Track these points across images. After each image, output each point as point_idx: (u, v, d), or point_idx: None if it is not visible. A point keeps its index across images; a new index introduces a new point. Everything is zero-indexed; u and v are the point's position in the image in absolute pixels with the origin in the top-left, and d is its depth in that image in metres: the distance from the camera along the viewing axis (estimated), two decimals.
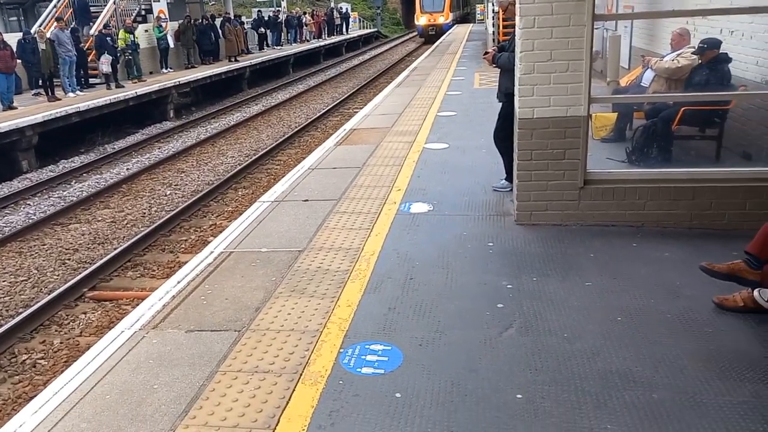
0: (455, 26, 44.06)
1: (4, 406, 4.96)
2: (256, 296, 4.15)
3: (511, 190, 5.64)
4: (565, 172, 5.00)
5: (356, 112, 13.31)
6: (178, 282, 4.46)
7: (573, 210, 5.06)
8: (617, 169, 5.80)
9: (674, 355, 3.26)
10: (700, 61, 6.12)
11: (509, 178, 5.86)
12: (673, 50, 6.64)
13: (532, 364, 3.26)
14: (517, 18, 4.83)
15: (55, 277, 7.24)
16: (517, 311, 3.79)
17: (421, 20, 42.29)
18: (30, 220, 9.00)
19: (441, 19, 41.78)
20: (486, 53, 6.11)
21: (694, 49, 6.20)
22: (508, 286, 4.11)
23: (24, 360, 5.56)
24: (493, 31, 19.57)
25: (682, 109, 6.02)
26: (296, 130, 15.16)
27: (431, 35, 40.11)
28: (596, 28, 4.99)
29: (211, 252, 4.95)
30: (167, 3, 21.92)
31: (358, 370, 3.28)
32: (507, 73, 5.66)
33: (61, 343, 5.80)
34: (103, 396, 3.18)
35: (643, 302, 3.83)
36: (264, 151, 12.94)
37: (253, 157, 12.41)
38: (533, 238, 4.91)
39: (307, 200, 6.17)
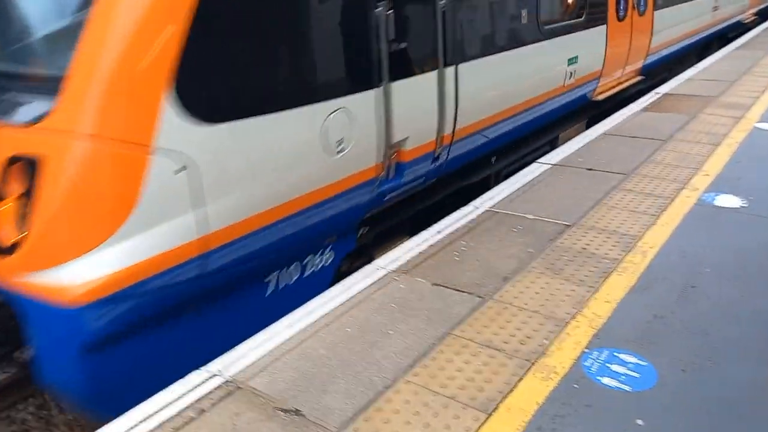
0: None
1: None
2: (508, 265, 3.93)
3: None
4: None
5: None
6: (438, 232, 4.46)
7: None
8: None
9: None
10: None
11: None
12: None
13: None
14: None
15: None
16: None
17: None
18: None
19: None
20: None
21: None
22: None
23: None
24: None
25: None
26: None
27: None
28: None
29: (476, 208, 4.84)
30: None
31: (599, 378, 2.88)
32: None
33: None
34: (343, 328, 3.34)
35: None
36: None
37: None
38: None
39: (591, 169, 5.62)
